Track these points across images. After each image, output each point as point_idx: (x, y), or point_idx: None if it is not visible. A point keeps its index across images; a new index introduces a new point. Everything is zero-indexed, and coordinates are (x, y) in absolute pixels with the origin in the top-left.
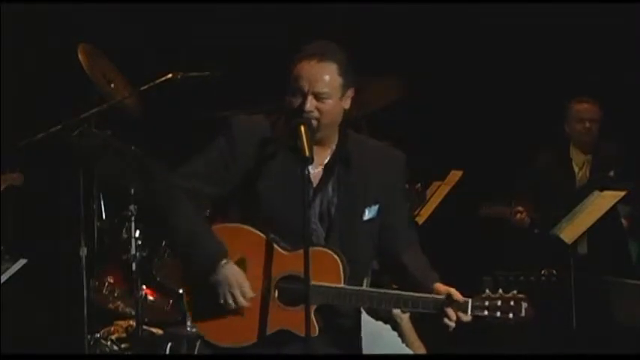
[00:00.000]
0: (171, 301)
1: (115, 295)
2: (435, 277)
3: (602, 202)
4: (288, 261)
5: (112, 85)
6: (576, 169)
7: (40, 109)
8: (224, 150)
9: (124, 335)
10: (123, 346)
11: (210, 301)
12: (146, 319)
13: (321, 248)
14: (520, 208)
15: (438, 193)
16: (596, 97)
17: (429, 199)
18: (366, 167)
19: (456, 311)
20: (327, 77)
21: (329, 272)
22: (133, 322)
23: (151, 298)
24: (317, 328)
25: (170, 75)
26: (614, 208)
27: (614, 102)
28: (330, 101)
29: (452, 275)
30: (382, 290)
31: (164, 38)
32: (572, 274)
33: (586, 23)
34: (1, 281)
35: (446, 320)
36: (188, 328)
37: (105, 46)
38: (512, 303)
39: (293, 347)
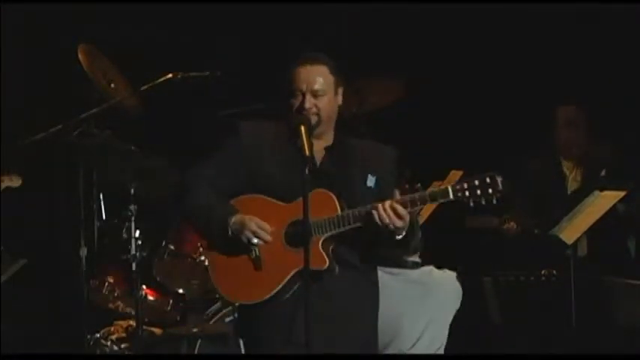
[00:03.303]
0: (171, 301)
1: (115, 295)
2: None
3: (602, 202)
4: (289, 210)
5: (112, 85)
6: (567, 172)
7: (40, 109)
8: (235, 149)
9: (124, 335)
10: (123, 346)
11: (230, 266)
12: (146, 319)
13: (316, 190)
14: (508, 217)
15: None
16: (595, 100)
17: None
18: (362, 155)
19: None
20: (321, 76)
21: (325, 206)
22: (133, 322)
23: (151, 298)
24: (327, 260)
25: (170, 75)
26: (613, 207)
27: (612, 103)
28: (325, 98)
29: None
30: (374, 205)
31: (164, 38)
32: (572, 274)
33: (588, 24)
34: (1, 281)
35: (375, 217)
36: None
37: (105, 46)
38: (487, 180)
39: (313, 284)
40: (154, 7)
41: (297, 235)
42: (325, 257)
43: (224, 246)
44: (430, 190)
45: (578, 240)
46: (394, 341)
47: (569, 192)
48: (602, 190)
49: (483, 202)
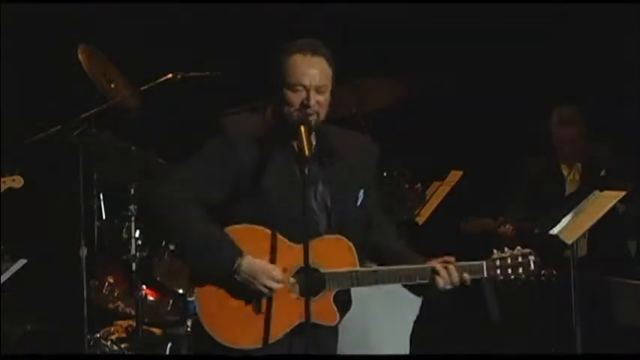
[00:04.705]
0: (171, 301)
1: (115, 295)
2: (425, 258)
3: (602, 201)
4: (298, 253)
5: (112, 85)
6: (565, 173)
7: (40, 109)
8: (222, 152)
9: (124, 335)
10: (123, 346)
11: (227, 305)
12: (146, 319)
13: (332, 236)
14: (505, 219)
15: (438, 193)
16: (594, 99)
17: (429, 199)
18: (347, 156)
19: (461, 273)
20: (323, 71)
21: (343, 258)
22: (133, 322)
23: (151, 298)
24: (338, 317)
25: (170, 75)
26: (613, 208)
27: (611, 103)
28: (326, 94)
29: None
30: (397, 267)
31: (164, 38)
32: (572, 274)
33: (587, 24)
34: (1, 281)
35: (438, 282)
36: (188, 328)
37: (105, 46)
38: (520, 259)
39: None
40: (154, 7)
41: (309, 284)
42: (336, 313)
43: (219, 284)
44: (464, 263)
45: (578, 240)
46: (361, 342)
47: (567, 192)
48: (602, 190)
49: (512, 279)
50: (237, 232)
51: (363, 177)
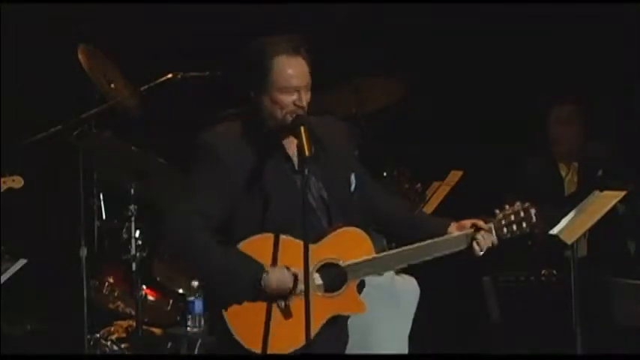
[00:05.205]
0: (171, 301)
1: (115, 295)
2: (444, 220)
3: (602, 201)
4: (316, 252)
5: (112, 85)
6: (563, 173)
7: (40, 109)
8: (212, 169)
9: (124, 335)
10: (123, 346)
11: (255, 316)
12: (146, 319)
13: (344, 228)
14: None
15: (438, 193)
16: (592, 98)
17: (429, 199)
18: (332, 144)
19: (488, 237)
20: (306, 70)
21: (360, 247)
22: (133, 322)
23: (151, 298)
24: (364, 306)
25: (170, 75)
26: (613, 207)
27: (611, 103)
28: (309, 92)
29: (452, 275)
30: (415, 245)
31: (164, 38)
32: (572, 274)
33: (587, 22)
34: (1, 281)
35: (477, 250)
36: (188, 328)
37: (105, 46)
38: (522, 214)
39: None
40: (154, 7)
41: (332, 280)
42: (362, 302)
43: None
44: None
45: (578, 240)
46: (361, 343)
47: (566, 193)
48: (601, 190)
49: (518, 234)
50: (249, 245)
51: (349, 160)
